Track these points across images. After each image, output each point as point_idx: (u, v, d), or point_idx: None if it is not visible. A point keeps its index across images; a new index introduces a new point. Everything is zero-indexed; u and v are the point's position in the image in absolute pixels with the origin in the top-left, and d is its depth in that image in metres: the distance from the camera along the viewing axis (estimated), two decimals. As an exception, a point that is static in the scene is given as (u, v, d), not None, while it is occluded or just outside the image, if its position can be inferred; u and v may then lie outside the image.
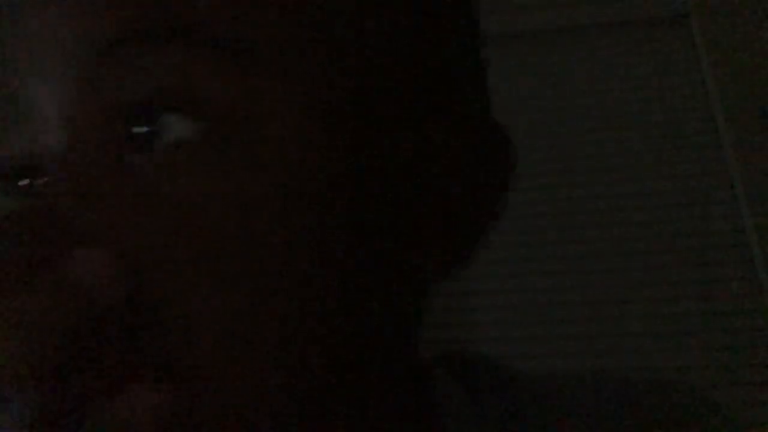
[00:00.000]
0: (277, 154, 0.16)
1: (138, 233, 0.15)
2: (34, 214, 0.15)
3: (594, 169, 1.47)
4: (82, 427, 0.14)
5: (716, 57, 1.45)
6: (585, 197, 1.45)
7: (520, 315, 1.38)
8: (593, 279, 1.38)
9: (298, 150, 0.16)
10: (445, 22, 0.21)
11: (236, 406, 0.15)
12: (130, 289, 0.15)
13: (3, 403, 0.14)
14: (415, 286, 0.20)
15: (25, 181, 0.18)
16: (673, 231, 1.38)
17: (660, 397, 0.26)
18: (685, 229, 1.38)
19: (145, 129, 0.16)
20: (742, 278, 1.31)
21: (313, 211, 0.16)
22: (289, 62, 0.17)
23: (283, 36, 0.17)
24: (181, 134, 0.15)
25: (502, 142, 0.21)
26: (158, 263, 0.15)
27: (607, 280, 1.37)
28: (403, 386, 0.22)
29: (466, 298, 1.39)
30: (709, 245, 1.35)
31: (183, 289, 0.15)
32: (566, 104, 1.53)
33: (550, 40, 1.59)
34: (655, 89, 1.50)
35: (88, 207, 0.15)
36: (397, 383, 0.21)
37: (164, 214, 0.15)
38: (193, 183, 0.15)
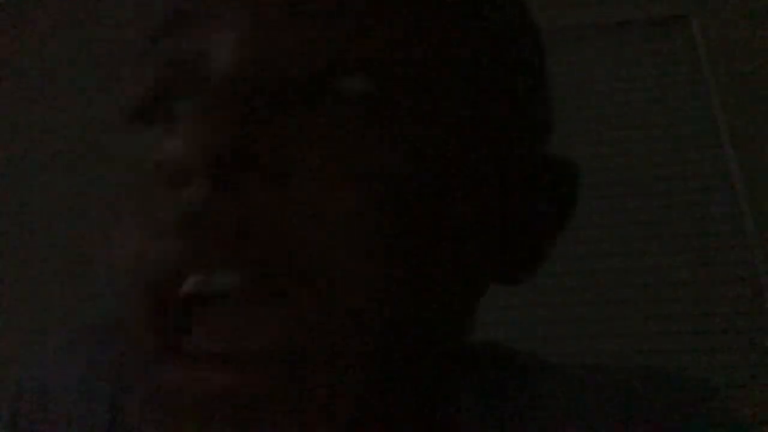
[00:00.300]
0: (423, 126, 0.19)
1: (313, 170, 0.17)
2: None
3: (594, 169, 1.47)
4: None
5: (716, 57, 1.46)
6: (584, 198, 1.45)
7: (519, 316, 1.38)
8: (593, 279, 1.38)
9: (439, 128, 0.19)
10: (537, 75, 0.24)
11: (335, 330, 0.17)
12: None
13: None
14: (483, 287, 0.22)
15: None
16: (673, 231, 1.38)
17: (674, 388, 0.26)
18: (684, 228, 1.38)
19: (352, 82, 0.18)
20: (743, 278, 1.32)
21: (438, 185, 0.19)
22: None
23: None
24: (357, 90, 0.18)
25: (570, 174, 0.25)
26: (325, 193, 0.17)
27: (607, 281, 1.37)
28: (449, 370, 0.23)
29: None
30: (710, 245, 1.36)
31: (334, 221, 0.17)
32: (566, 104, 1.53)
33: (550, 41, 1.60)
34: (655, 89, 1.51)
35: (279, 144, 0.17)
36: (446, 367, 0.23)
37: (335, 155, 0.17)
38: (363, 130, 0.18)
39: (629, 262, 1.38)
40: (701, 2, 1.51)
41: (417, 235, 0.18)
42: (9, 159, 1.77)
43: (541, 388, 0.26)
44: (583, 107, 1.52)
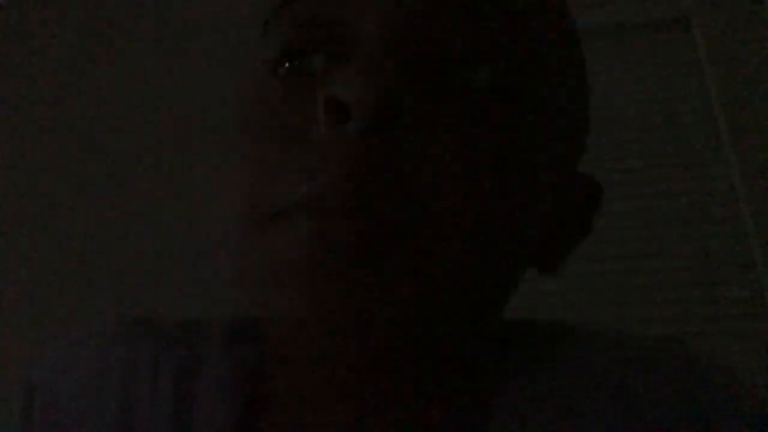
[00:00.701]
0: (530, 140, 0.22)
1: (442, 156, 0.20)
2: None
3: (594, 170, 1.47)
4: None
5: (717, 59, 1.46)
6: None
7: (519, 316, 1.39)
8: (593, 280, 1.38)
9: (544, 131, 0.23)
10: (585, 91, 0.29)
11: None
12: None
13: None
14: (524, 270, 0.26)
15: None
16: (673, 231, 1.39)
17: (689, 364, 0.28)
18: (685, 229, 1.38)
19: (480, 75, 0.21)
20: (743, 279, 1.32)
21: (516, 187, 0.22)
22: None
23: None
24: (488, 82, 0.21)
25: (598, 192, 0.30)
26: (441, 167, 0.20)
27: (606, 281, 1.38)
28: (485, 347, 0.27)
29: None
30: (710, 245, 1.36)
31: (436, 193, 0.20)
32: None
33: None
34: (655, 91, 1.51)
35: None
36: (482, 344, 0.27)
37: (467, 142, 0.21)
38: (481, 116, 0.21)
39: (629, 262, 1.38)
40: (701, 4, 1.51)
41: (500, 213, 0.21)
42: (19, 158, 1.78)
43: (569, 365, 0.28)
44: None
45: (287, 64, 0.23)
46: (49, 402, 0.30)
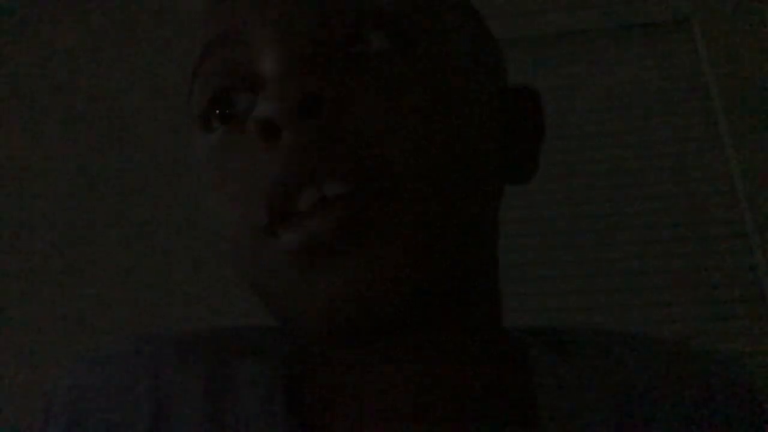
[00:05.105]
0: (444, 75, 0.24)
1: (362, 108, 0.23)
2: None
3: (595, 170, 1.48)
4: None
5: (717, 60, 1.47)
6: (585, 200, 1.46)
7: (518, 315, 1.39)
8: (592, 280, 1.39)
9: (459, 76, 0.25)
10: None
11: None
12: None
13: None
14: (499, 189, 0.29)
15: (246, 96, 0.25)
16: (673, 231, 1.39)
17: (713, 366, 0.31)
18: (685, 229, 1.39)
19: (376, 39, 0.23)
20: (743, 279, 1.32)
21: (458, 120, 0.24)
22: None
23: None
24: (382, 47, 0.24)
25: (532, 94, 0.33)
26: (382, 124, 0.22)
27: (606, 281, 1.38)
28: (500, 355, 0.29)
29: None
30: (710, 245, 1.36)
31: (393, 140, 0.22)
32: (567, 107, 1.54)
33: (550, 45, 1.61)
34: (656, 92, 1.51)
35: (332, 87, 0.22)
36: (494, 353, 0.28)
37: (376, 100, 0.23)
38: (391, 80, 0.23)
39: (629, 262, 1.38)
40: (702, 5, 1.52)
41: (452, 142, 0.24)
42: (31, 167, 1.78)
43: (589, 366, 0.30)
44: (585, 109, 1.53)
45: (217, 112, 0.25)
46: (73, 422, 0.30)
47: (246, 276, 0.25)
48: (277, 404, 0.28)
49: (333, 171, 0.21)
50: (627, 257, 1.39)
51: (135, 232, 1.64)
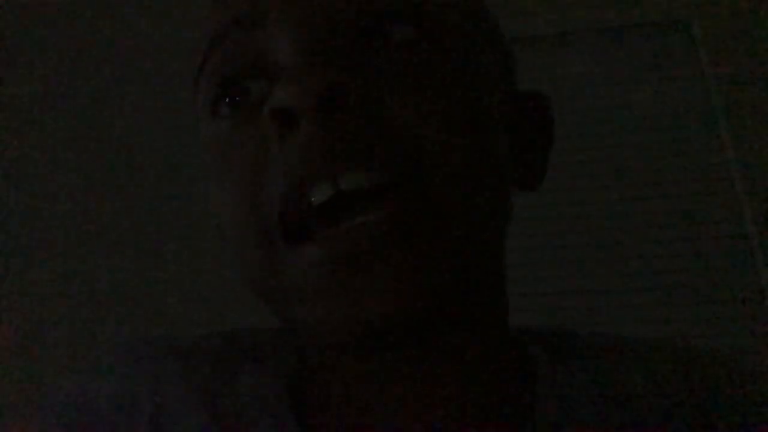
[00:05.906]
0: (467, 67, 0.24)
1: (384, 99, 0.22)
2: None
3: (596, 170, 1.48)
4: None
5: (717, 61, 1.47)
6: (586, 200, 1.46)
7: (520, 314, 1.39)
8: (593, 281, 1.39)
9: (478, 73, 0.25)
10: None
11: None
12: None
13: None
14: (509, 192, 0.28)
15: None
16: (673, 231, 1.39)
17: (723, 369, 0.31)
18: (685, 229, 1.39)
19: (400, 32, 0.23)
20: (743, 279, 1.32)
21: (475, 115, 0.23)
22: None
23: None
24: (405, 37, 0.23)
25: (542, 99, 0.32)
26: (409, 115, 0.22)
27: (607, 281, 1.38)
28: (504, 351, 0.28)
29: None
30: (710, 245, 1.36)
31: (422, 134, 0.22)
32: (568, 108, 1.54)
33: (550, 45, 1.61)
34: (656, 92, 1.52)
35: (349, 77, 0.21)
36: (499, 348, 0.28)
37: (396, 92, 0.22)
38: (419, 69, 0.23)
39: (629, 262, 1.39)
40: (701, 6, 1.52)
41: (474, 141, 0.23)
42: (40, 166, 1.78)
43: (587, 369, 0.30)
44: (585, 110, 1.53)
45: (227, 100, 0.24)
46: (75, 418, 0.29)
47: (251, 279, 0.24)
48: (279, 409, 0.28)
49: (369, 161, 0.20)
50: (627, 257, 1.39)
51: (135, 232, 1.64)
